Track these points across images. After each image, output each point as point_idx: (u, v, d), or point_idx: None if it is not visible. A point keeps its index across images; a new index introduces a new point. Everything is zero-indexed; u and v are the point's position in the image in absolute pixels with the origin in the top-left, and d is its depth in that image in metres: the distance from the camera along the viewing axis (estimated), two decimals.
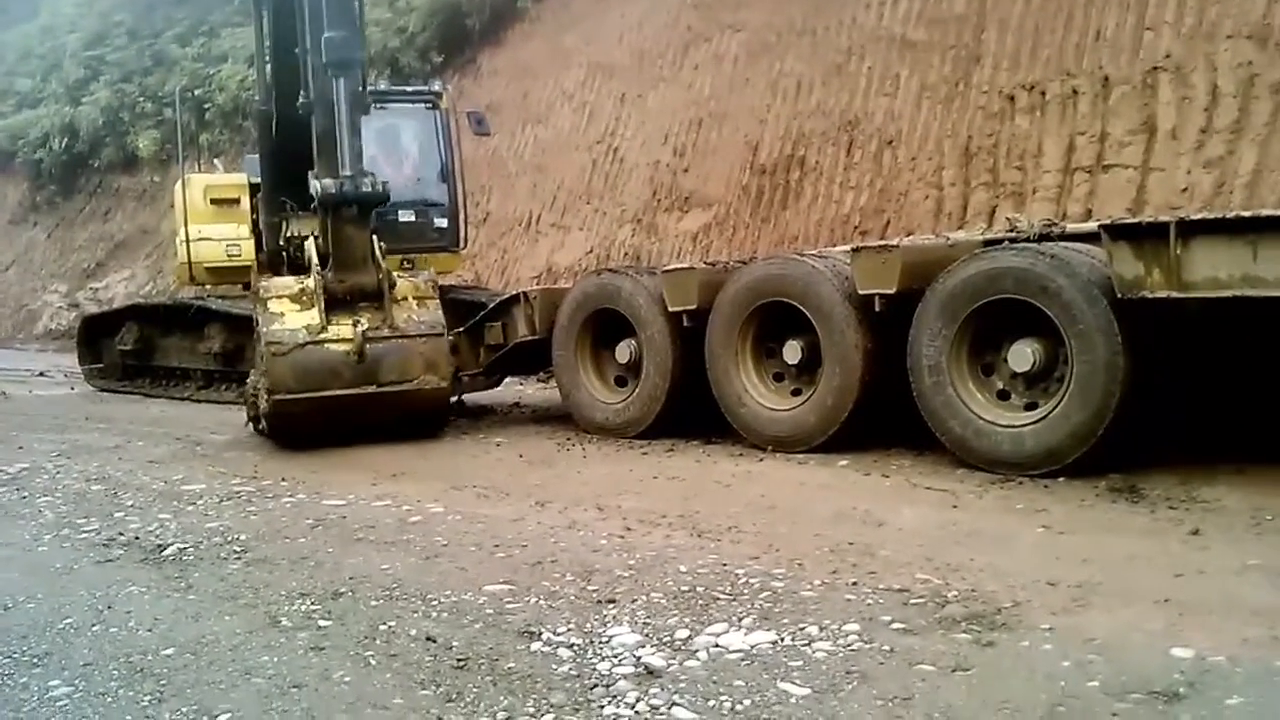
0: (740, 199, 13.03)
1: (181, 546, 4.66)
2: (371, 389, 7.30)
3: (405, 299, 7.66)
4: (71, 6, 29.33)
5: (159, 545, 4.71)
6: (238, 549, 4.58)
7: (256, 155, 12.83)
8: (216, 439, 8.00)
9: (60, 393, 12.74)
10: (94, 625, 3.64)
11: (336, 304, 7.51)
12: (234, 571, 4.25)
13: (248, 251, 11.58)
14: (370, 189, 7.39)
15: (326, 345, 7.32)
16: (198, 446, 7.65)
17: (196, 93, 21.44)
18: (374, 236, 7.67)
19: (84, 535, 5.01)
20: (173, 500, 5.71)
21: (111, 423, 9.38)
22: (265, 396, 7.43)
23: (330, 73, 7.29)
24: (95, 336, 12.91)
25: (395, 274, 7.81)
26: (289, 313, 7.43)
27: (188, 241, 11.49)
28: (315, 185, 7.35)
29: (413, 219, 11.65)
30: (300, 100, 7.75)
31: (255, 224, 11.88)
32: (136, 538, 4.89)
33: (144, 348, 11.90)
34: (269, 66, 9.63)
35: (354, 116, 7.40)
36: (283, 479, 6.16)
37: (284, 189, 10.04)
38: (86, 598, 3.96)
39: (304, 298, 7.52)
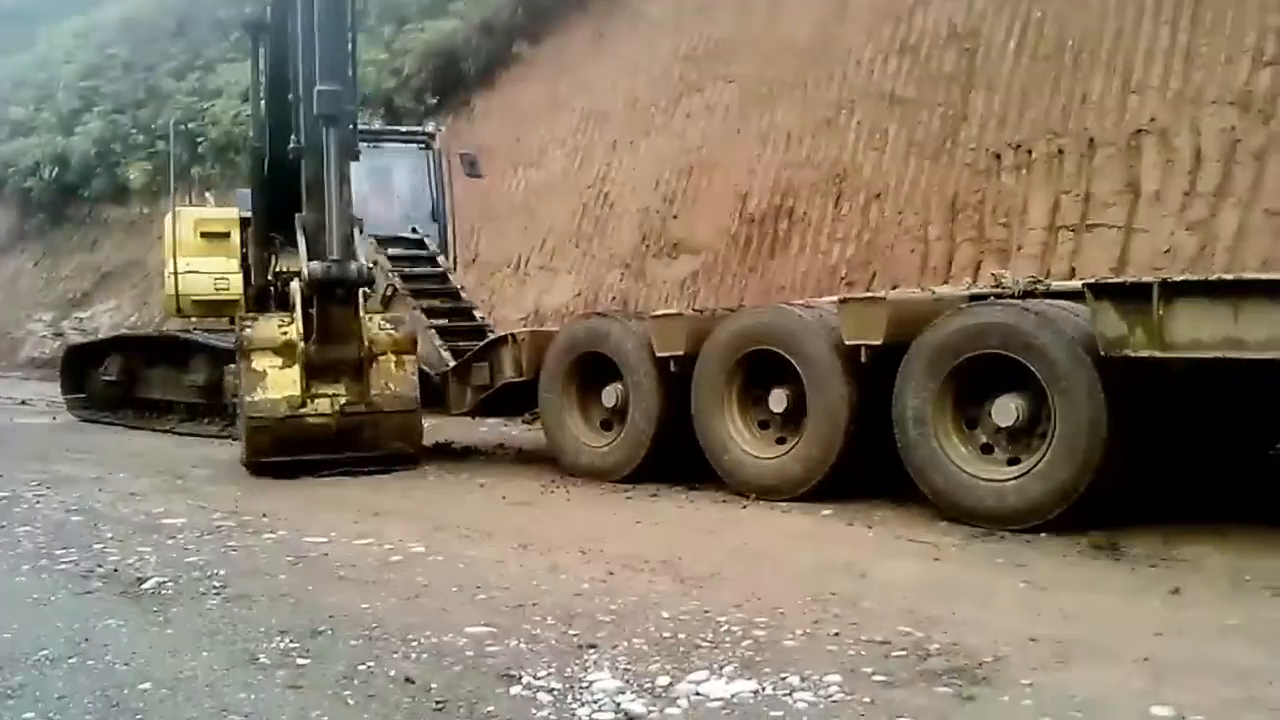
0: (729, 247, 13.11)
1: (161, 580, 4.62)
2: (344, 454, 7.63)
3: (385, 355, 7.83)
4: (68, 37, 29.47)
5: (138, 578, 4.67)
6: (217, 584, 4.55)
7: (247, 190, 12.90)
8: (198, 472, 7.95)
9: (42, 422, 12.66)
10: (70, 657, 3.61)
11: (317, 371, 7.71)
12: (213, 607, 4.22)
13: (235, 285, 11.59)
14: (356, 274, 7.54)
15: (305, 419, 7.59)
16: (179, 479, 7.61)
17: (190, 126, 21.51)
18: (358, 309, 7.80)
19: (62, 566, 4.97)
20: (153, 533, 5.67)
21: (93, 453, 9.32)
22: (244, 449, 7.75)
23: (321, 124, 7.40)
24: (79, 366, 12.86)
25: (377, 326, 7.94)
26: (270, 373, 7.60)
27: (175, 274, 11.51)
28: (304, 267, 7.50)
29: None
30: (291, 145, 7.88)
31: (245, 258, 11.91)
32: (115, 570, 4.85)
33: (128, 379, 11.85)
34: (264, 104, 9.72)
35: (343, 167, 7.57)
36: (264, 515, 6.12)
37: (274, 224, 10.11)
38: (63, 629, 3.92)
39: (286, 349, 7.66)
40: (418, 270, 10.51)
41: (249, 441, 7.62)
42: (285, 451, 7.52)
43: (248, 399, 7.57)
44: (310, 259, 7.50)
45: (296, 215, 7.89)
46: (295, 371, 7.58)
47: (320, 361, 7.66)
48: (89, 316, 24.00)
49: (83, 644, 3.75)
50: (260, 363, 7.59)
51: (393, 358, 7.89)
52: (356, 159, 7.95)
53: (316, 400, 7.62)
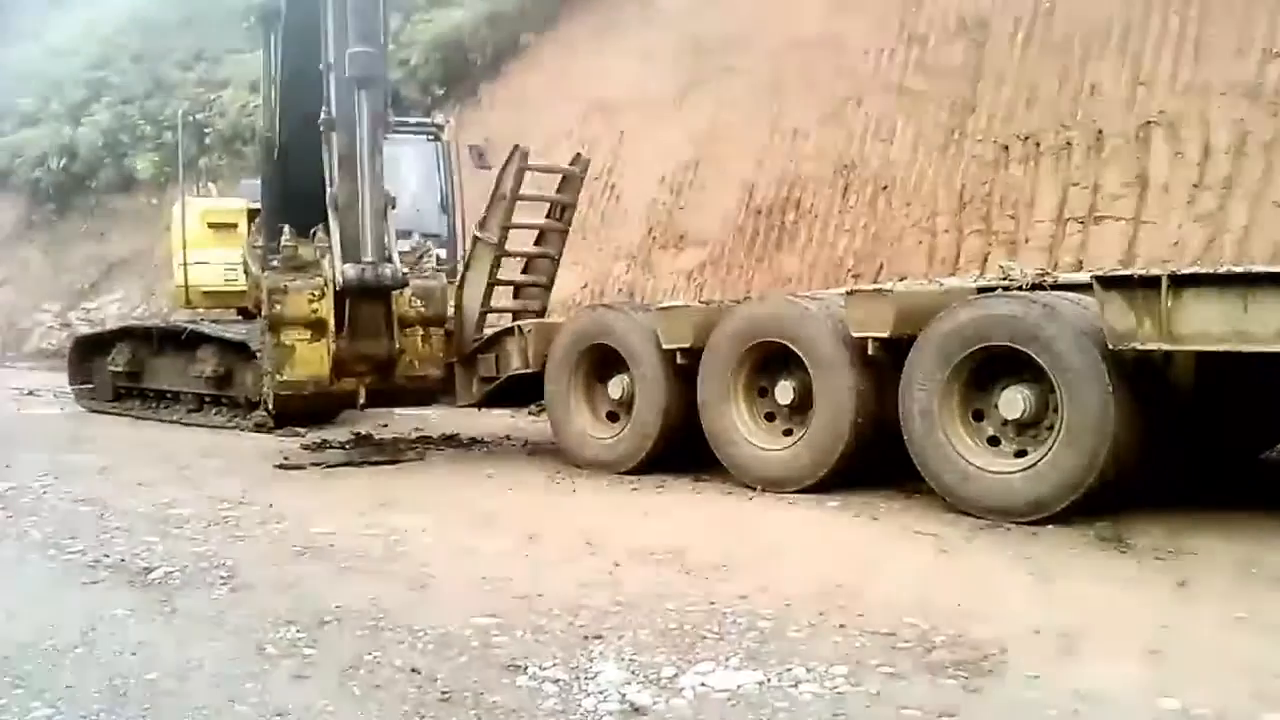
0: (736, 239, 13.10)
1: (168, 570, 4.64)
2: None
3: (413, 328, 7.91)
4: (76, 28, 29.48)
5: (145, 568, 4.69)
6: (224, 574, 4.57)
7: (254, 181, 12.92)
8: (206, 463, 7.97)
9: (50, 412, 12.69)
10: (77, 647, 3.63)
11: (345, 364, 7.74)
12: (220, 597, 4.23)
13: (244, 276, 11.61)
14: (391, 279, 7.37)
15: (332, 391, 7.85)
16: (186, 470, 7.62)
17: (197, 117, 21.51)
18: (390, 309, 7.72)
19: (70, 556, 4.99)
20: (160, 523, 5.68)
21: (100, 444, 9.34)
22: (270, 408, 8.40)
23: (354, 87, 7.28)
24: (87, 357, 12.87)
25: (407, 302, 7.89)
26: (299, 347, 7.63)
27: (185, 265, 11.51)
28: (338, 271, 7.29)
29: (406, 249, 11.71)
30: (321, 116, 7.62)
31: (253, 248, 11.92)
32: (123, 560, 4.87)
33: (135, 369, 11.86)
34: (275, 93, 9.69)
35: (375, 137, 7.38)
36: (271, 505, 6.14)
37: (283, 214, 10.06)
38: (70, 620, 3.93)
39: (316, 325, 7.65)
40: None
41: (277, 406, 8.02)
42: (310, 412, 8.19)
43: (278, 376, 7.65)
44: (345, 259, 7.29)
45: (328, 191, 7.60)
46: (324, 346, 7.60)
47: (350, 356, 7.66)
48: (96, 307, 24.03)
49: (90, 634, 3.77)
50: (289, 337, 7.59)
51: (420, 331, 7.96)
52: (389, 130, 7.85)
53: (344, 380, 7.75)
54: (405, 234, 11.29)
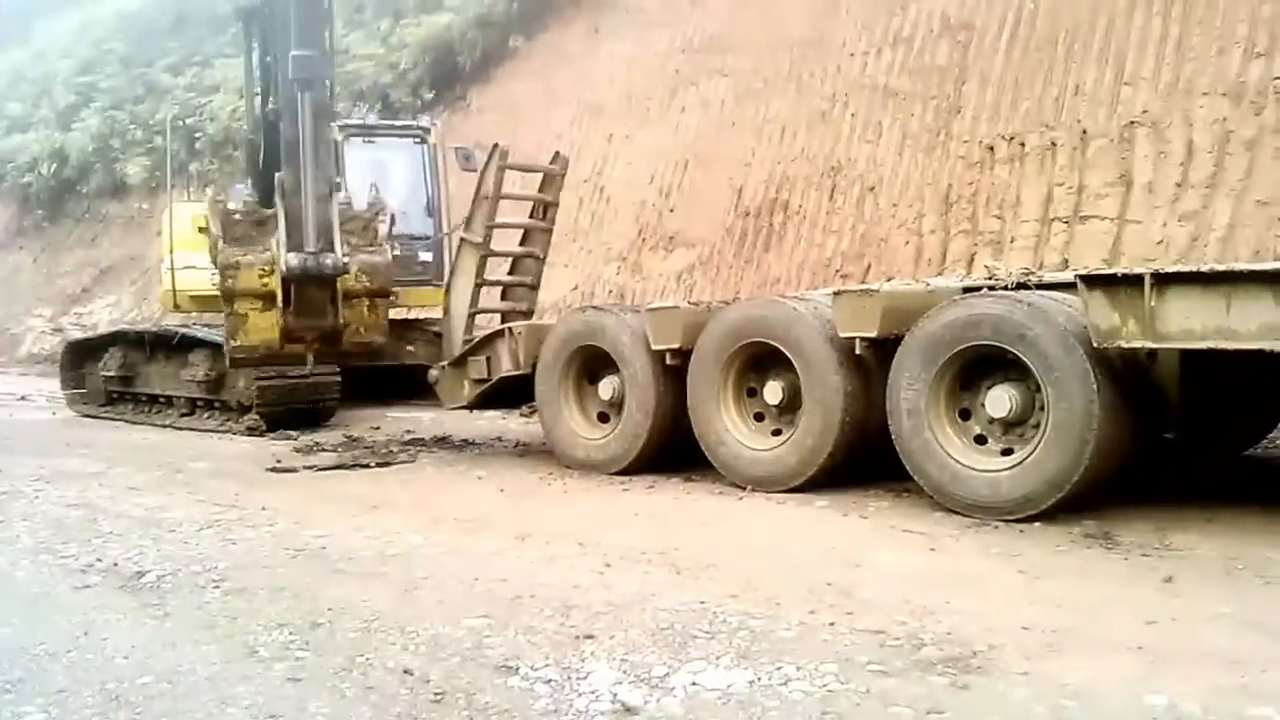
0: (724, 240, 13.14)
1: (160, 574, 4.65)
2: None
3: (359, 300, 8.29)
4: (65, 33, 29.41)
5: (137, 572, 4.70)
6: (216, 577, 4.58)
7: (242, 185, 12.91)
8: (198, 467, 7.97)
9: (42, 417, 12.67)
10: (70, 651, 3.64)
11: (294, 332, 8.23)
12: (212, 600, 4.25)
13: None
14: (332, 268, 7.80)
15: (283, 352, 8.41)
16: (179, 474, 7.63)
17: (187, 122, 21.50)
18: (335, 292, 8.10)
19: (62, 561, 5.00)
20: (152, 527, 5.69)
21: (93, 448, 9.34)
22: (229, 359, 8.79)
23: (295, 88, 7.63)
24: (79, 361, 12.85)
25: (354, 277, 8.24)
26: (251, 315, 8.19)
27: (173, 269, 11.50)
28: (282, 260, 7.77)
29: (397, 252, 11.75)
30: (270, 105, 8.22)
31: None
32: (115, 564, 4.87)
33: (127, 374, 11.85)
34: (258, 98, 9.74)
35: (318, 130, 7.79)
36: (263, 508, 6.15)
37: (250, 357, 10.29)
38: (63, 623, 3.95)
39: (267, 296, 8.08)
40: None
41: (233, 363, 8.78)
42: (264, 369, 9.29)
43: (232, 342, 8.28)
44: (289, 246, 7.77)
45: (276, 175, 8.08)
46: (275, 315, 8.05)
47: (297, 327, 8.12)
48: (88, 312, 23.98)
49: (82, 637, 3.78)
50: (242, 306, 8.11)
51: (365, 302, 8.37)
52: (333, 119, 8.40)
53: (292, 345, 8.31)
54: (394, 237, 11.41)
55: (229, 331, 8.25)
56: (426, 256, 12.30)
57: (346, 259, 7.98)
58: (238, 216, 8.50)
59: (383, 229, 9.20)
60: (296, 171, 7.81)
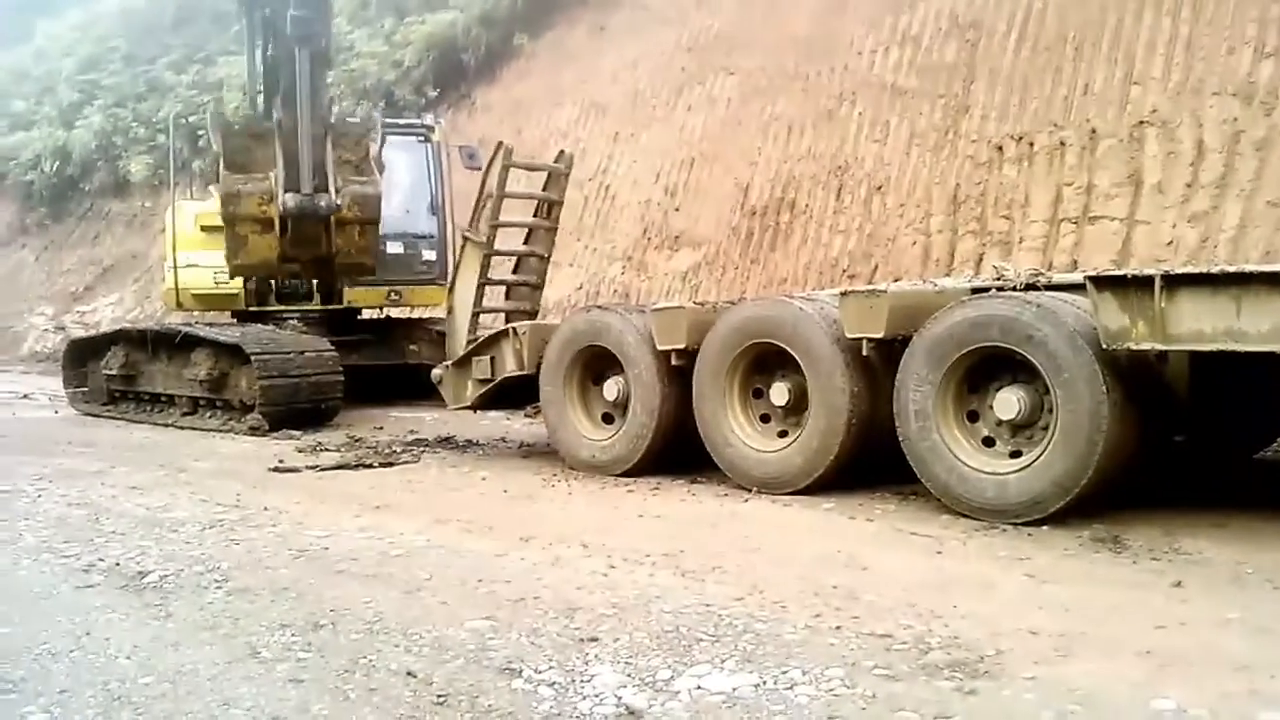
0: (730, 239, 13.12)
1: (162, 574, 4.63)
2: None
3: (350, 225, 9.15)
4: (68, 30, 29.45)
5: (140, 572, 4.68)
6: (219, 578, 4.56)
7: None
8: (201, 466, 7.96)
9: (44, 416, 12.66)
10: (72, 651, 3.62)
11: (290, 258, 9.26)
12: (214, 601, 4.22)
13: (236, 279, 11.61)
14: (325, 208, 8.66)
15: (281, 269, 9.54)
16: (181, 473, 7.61)
17: (190, 119, 21.50)
18: (329, 226, 8.99)
19: (64, 560, 4.98)
20: (154, 527, 5.67)
21: (95, 447, 9.32)
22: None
23: (294, 45, 8.24)
24: (81, 360, 12.84)
25: (346, 205, 9.07)
26: (251, 238, 9.05)
27: (175, 268, 11.49)
28: (280, 199, 8.56)
29: (401, 251, 11.88)
30: (269, 52, 8.77)
31: None
32: (117, 564, 4.86)
33: (130, 373, 11.84)
34: (261, 80, 9.88)
35: (315, 79, 8.50)
36: (265, 508, 6.13)
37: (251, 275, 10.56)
38: (65, 623, 3.93)
39: (266, 222, 8.94)
40: None
41: (234, 273, 9.80)
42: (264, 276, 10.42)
43: (233, 260, 9.19)
44: (286, 186, 8.47)
45: (275, 116, 8.78)
46: (273, 238, 8.84)
47: (293, 254, 9.05)
48: (91, 310, 24.02)
49: (84, 638, 3.76)
50: (243, 229, 8.90)
51: (356, 229, 9.22)
52: (330, 67, 9.21)
53: (288, 265, 9.25)
54: (398, 235, 11.61)
55: (231, 250, 9.06)
56: (430, 255, 12.30)
57: (339, 198, 8.73)
58: (237, 127, 9.02)
59: (374, 147, 9.64)
60: (293, 116, 8.39)
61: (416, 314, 13.46)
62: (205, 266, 11.71)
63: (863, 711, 2.96)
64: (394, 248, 12.18)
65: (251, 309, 11.91)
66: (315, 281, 11.91)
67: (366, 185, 9.04)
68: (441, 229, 12.10)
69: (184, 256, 11.66)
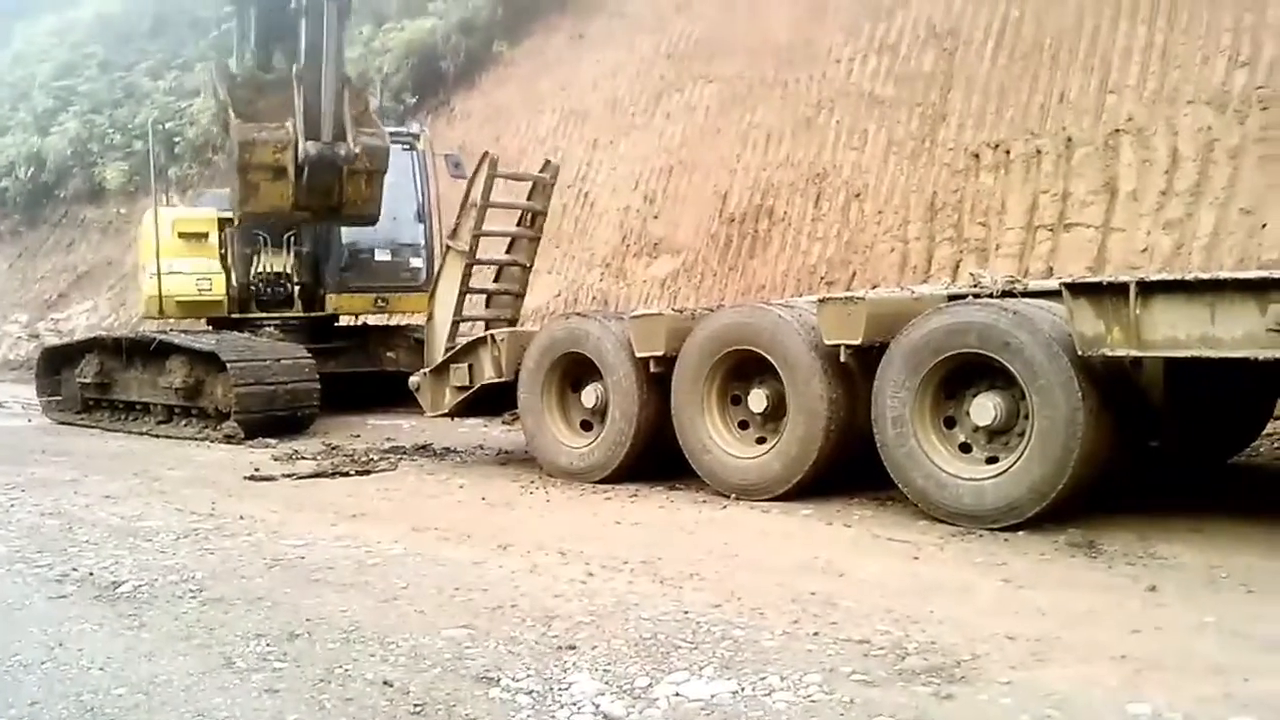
0: (709, 247, 13.14)
1: (136, 584, 4.59)
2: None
3: (358, 174, 9.50)
4: (44, 36, 29.25)
5: (113, 582, 4.64)
6: (193, 588, 4.52)
7: (218, 191, 13.06)
8: (175, 475, 7.90)
9: (17, 424, 12.56)
10: (44, 662, 3.58)
11: (301, 205, 9.52)
12: (189, 611, 4.19)
13: (218, 286, 11.57)
14: (345, 156, 9.09)
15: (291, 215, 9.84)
16: (156, 482, 7.56)
17: (167, 126, 21.40)
18: (341, 175, 9.34)
19: (37, 570, 4.93)
20: (128, 536, 5.63)
21: (69, 456, 9.25)
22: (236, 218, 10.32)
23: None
24: (55, 368, 12.75)
25: (358, 156, 9.39)
26: (263, 185, 9.27)
27: (159, 275, 11.39)
28: (301, 147, 8.90)
29: (388, 258, 11.98)
30: (291, 5, 9.00)
31: (224, 258, 11.87)
32: (91, 574, 4.81)
33: (104, 381, 11.75)
34: (254, 48, 10.10)
35: (340, 27, 8.84)
36: (241, 517, 6.09)
37: (261, 222, 10.55)
38: (37, 634, 3.89)
39: (279, 171, 9.18)
40: None
41: (242, 219, 10.13)
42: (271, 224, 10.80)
43: (244, 207, 9.40)
44: (307, 136, 8.82)
45: (295, 67, 9.03)
46: (284, 186, 9.15)
47: (305, 201, 9.33)
48: (65, 318, 23.83)
49: (57, 648, 3.73)
50: (255, 176, 9.17)
51: (364, 178, 9.56)
52: (349, 17, 9.39)
53: (299, 213, 9.62)
54: (384, 243, 11.76)
55: (241, 197, 9.26)
56: (417, 263, 12.30)
57: (356, 146, 9.08)
58: (240, 79, 9.55)
59: (374, 101, 10.55)
60: (317, 68, 8.73)
61: (394, 321, 13.43)
62: (188, 274, 11.63)
63: (840, 717, 2.96)
64: (381, 255, 12.25)
65: (234, 315, 11.85)
66: (297, 289, 11.97)
67: (375, 137, 9.43)
68: (428, 236, 12.09)
69: (165, 264, 11.57)
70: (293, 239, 11.88)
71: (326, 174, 9.22)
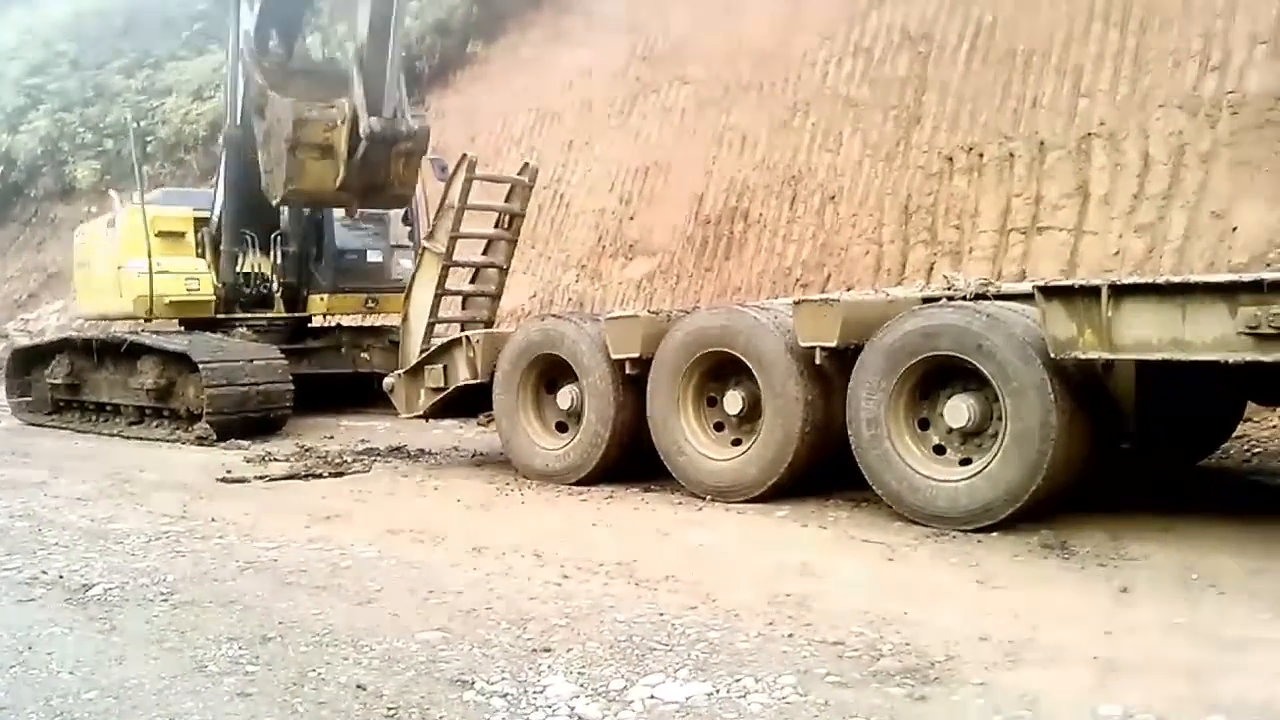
0: (684, 248, 13.14)
1: (107, 587, 4.56)
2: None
3: (397, 154, 9.48)
4: (13, 34, 28.94)
5: (84, 585, 4.60)
6: (164, 590, 4.49)
7: (177, 189, 13.06)
8: (147, 477, 7.84)
9: None
10: (13, 666, 3.55)
11: (350, 186, 9.56)
12: (160, 614, 4.16)
13: (205, 285, 11.47)
14: (406, 133, 9.20)
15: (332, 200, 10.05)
16: (126, 484, 7.49)
17: (140, 124, 21.22)
18: (390, 154, 9.40)
19: (5, 573, 4.88)
20: (99, 539, 5.58)
21: (38, 457, 9.17)
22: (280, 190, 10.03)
23: None
24: (25, 368, 12.61)
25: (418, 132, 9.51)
26: (309, 163, 9.27)
27: (150, 274, 11.23)
28: (364, 123, 8.93)
29: (379, 260, 12.03)
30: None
31: (200, 258, 11.75)
32: (60, 577, 4.77)
33: (75, 381, 11.64)
34: (240, 87, 10.09)
35: (403, 7, 9.17)
36: (213, 519, 6.05)
37: (246, 219, 10.55)
38: (6, 638, 3.85)
39: (328, 149, 9.32)
40: None
41: (283, 200, 10.12)
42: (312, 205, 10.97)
43: (289, 185, 9.38)
44: (370, 113, 8.88)
45: (354, 48, 9.21)
46: (330, 166, 9.19)
47: (355, 181, 9.37)
48: (35, 318, 23.57)
49: (26, 652, 3.69)
50: (303, 154, 9.19)
51: (404, 160, 9.54)
52: None
53: (342, 193, 9.55)
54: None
55: (288, 174, 9.22)
56: (407, 263, 12.26)
57: (413, 123, 9.26)
58: (268, 64, 9.68)
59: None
60: (384, 44, 8.85)
61: (369, 322, 13.36)
62: (176, 273, 11.50)
63: (815, 719, 2.97)
64: (373, 256, 12.29)
65: (220, 315, 11.74)
66: (280, 289, 11.93)
67: (419, 118, 9.53)
68: (416, 238, 12.05)
69: (133, 262, 11.40)
70: (279, 239, 11.81)
71: (384, 150, 9.26)
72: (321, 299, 12.11)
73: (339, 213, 11.81)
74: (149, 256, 11.22)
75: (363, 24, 8.92)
